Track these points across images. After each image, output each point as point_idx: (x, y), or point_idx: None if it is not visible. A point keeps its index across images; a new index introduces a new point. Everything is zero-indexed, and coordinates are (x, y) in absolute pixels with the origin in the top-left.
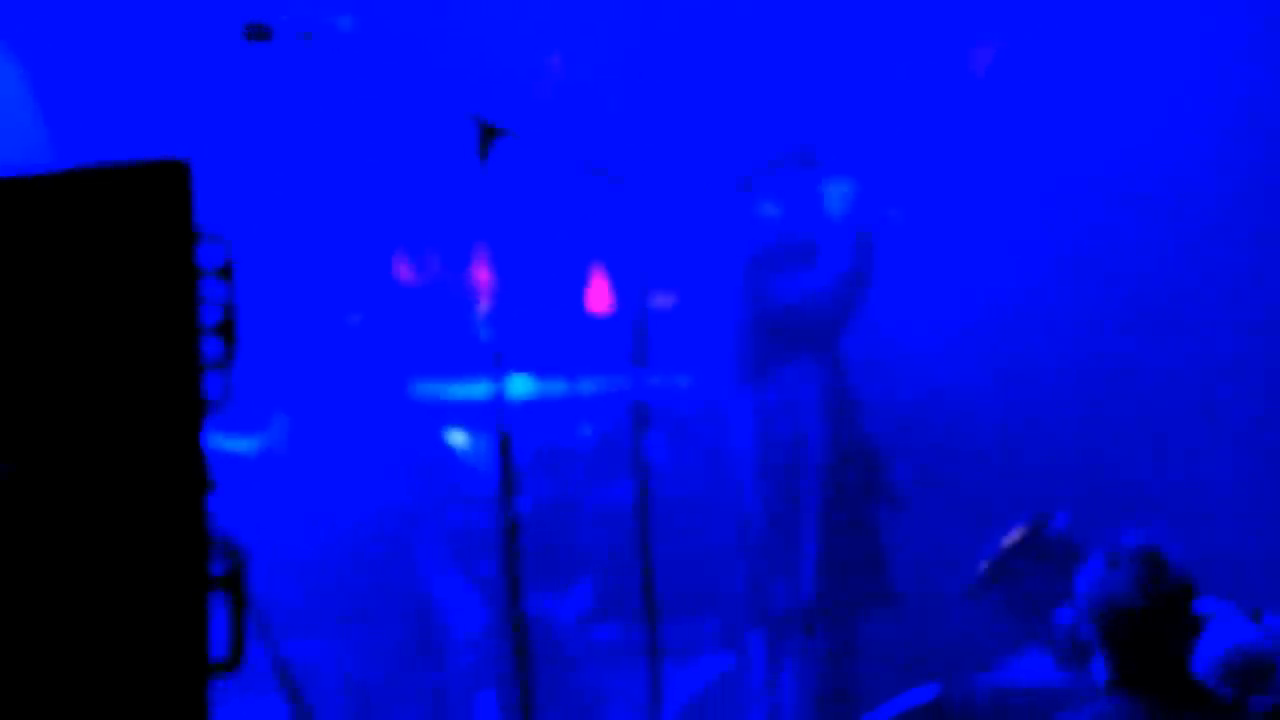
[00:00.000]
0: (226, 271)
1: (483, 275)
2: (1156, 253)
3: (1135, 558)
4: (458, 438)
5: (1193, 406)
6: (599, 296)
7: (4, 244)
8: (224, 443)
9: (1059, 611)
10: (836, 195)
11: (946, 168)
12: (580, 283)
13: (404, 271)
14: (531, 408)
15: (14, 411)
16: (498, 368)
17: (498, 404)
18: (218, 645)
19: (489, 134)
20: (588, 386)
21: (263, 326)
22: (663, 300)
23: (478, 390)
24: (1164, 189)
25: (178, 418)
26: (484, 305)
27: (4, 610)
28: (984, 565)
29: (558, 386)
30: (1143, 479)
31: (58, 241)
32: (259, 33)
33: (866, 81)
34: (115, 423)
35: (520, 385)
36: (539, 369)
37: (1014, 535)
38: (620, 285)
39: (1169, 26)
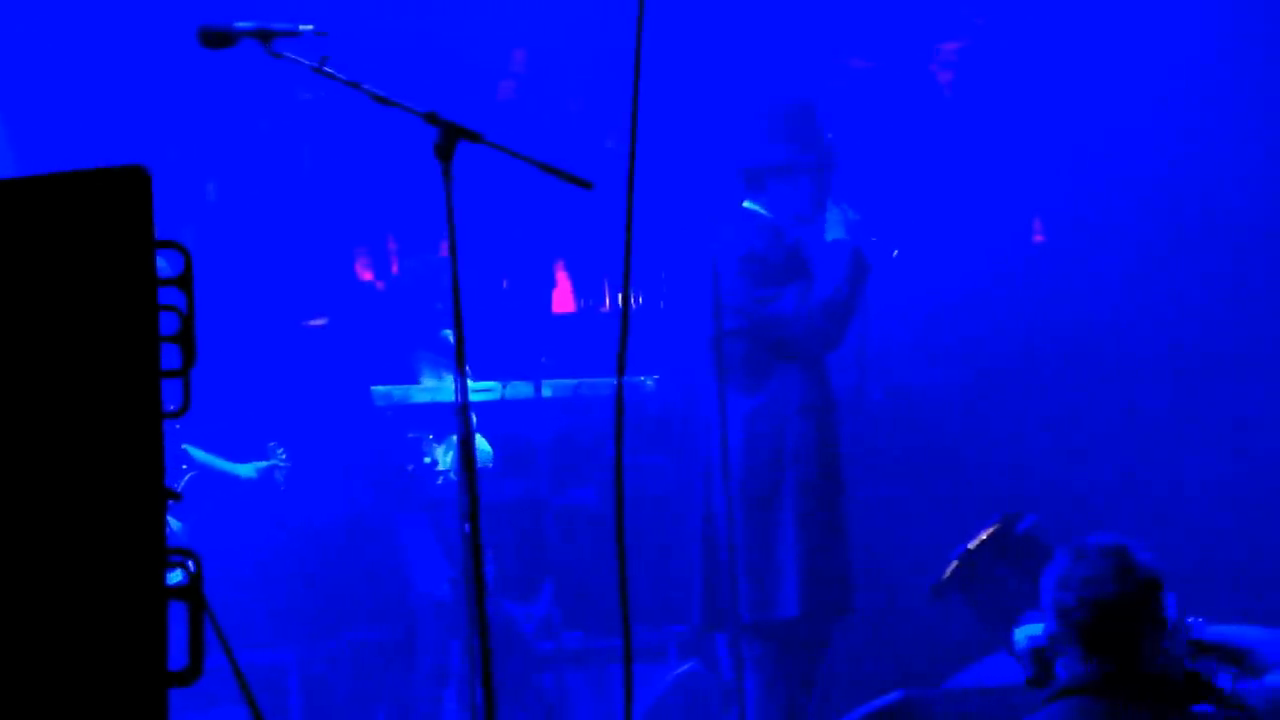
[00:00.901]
0: (185, 280)
1: (447, 276)
2: (1127, 252)
3: (1103, 553)
4: (421, 441)
5: (1162, 407)
6: (563, 297)
7: None
8: (223, 465)
9: (1021, 620)
10: (831, 218)
11: (914, 167)
12: (546, 283)
13: (367, 273)
14: (495, 409)
15: None
16: (460, 369)
17: (461, 406)
18: (177, 655)
19: (451, 135)
20: (551, 388)
21: (228, 330)
22: (633, 298)
23: (441, 392)
24: (1134, 186)
25: (136, 426)
26: (447, 306)
27: None
28: (951, 565)
29: (522, 388)
30: (1111, 479)
31: (16, 249)
32: (218, 38)
33: (833, 80)
34: (73, 431)
35: (484, 387)
36: (502, 371)
37: (981, 535)
38: (583, 285)
39: (1128, 31)
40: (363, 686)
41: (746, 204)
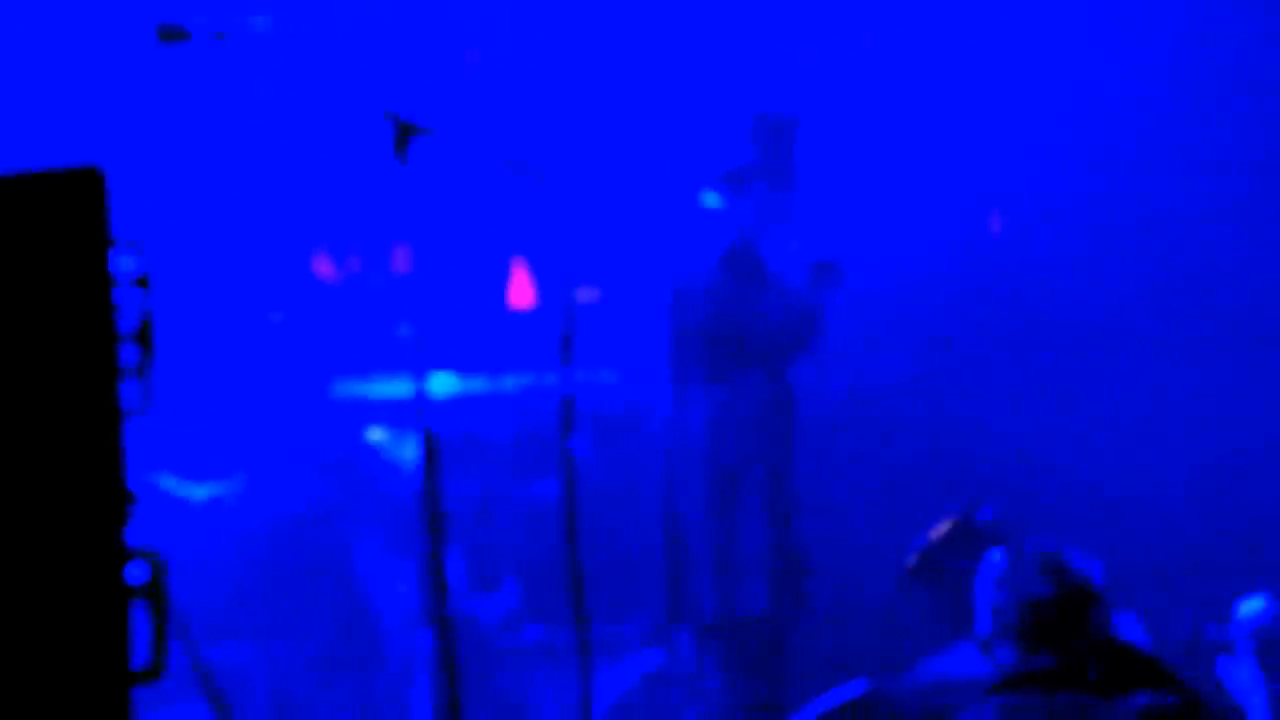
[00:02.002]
0: (143, 280)
1: (403, 272)
2: (1084, 240)
3: (1039, 554)
4: (380, 435)
5: (1122, 394)
6: (521, 292)
7: None
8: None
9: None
10: (798, 228)
11: (869, 158)
12: (502, 278)
13: (325, 269)
14: (454, 404)
15: None
16: (419, 364)
17: (420, 402)
18: (139, 653)
19: (406, 131)
20: (510, 383)
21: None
22: (587, 295)
23: (400, 388)
24: (1091, 173)
25: (96, 426)
26: (405, 302)
27: None
28: (912, 556)
29: (480, 383)
30: (1071, 468)
31: None
32: (174, 34)
33: (790, 74)
34: (33, 431)
35: (442, 382)
36: (461, 365)
37: (943, 526)
38: (542, 281)
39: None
40: (326, 685)
41: (707, 200)
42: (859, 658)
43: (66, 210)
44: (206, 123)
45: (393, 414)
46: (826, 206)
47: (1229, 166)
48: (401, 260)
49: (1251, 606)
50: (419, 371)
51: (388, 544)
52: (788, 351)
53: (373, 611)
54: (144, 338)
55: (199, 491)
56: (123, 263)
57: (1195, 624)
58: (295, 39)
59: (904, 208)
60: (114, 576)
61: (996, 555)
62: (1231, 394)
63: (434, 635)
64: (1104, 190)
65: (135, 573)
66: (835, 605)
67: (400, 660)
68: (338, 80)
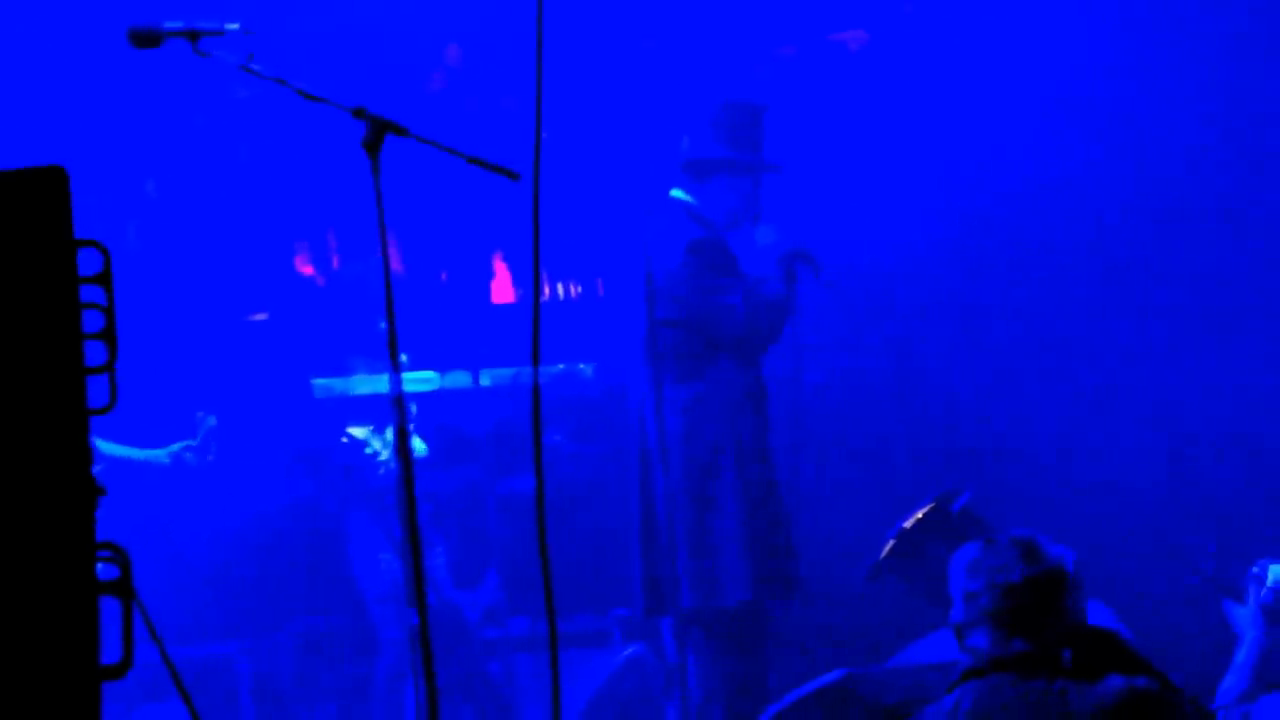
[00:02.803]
0: (106, 277)
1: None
2: (1057, 230)
3: (1012, 539)
4: (361, 432)
5: (1094, 383)
6: (502, 287)
7: None
8: (129, 453)
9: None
10: (769, 218)
11: (839, 150)
12: (484, 274)
13: (306, 268)
14: (435, 399)
15: None
16: (394, 361)
17: (395, 398)
18: (108, 649)
19: (379, 128)
20: (491, 377)
21: (167, 327)
22: (569, 289)
23: (381, 384)
24: (1062, 160)
25: (62, 423)
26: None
27: None
28: (888, 544)
29: (461, 378)
30: (1043, 456)
31: None
32: (147, 38)
33: (762, 69)
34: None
35: (424, 378)
36: (443, 361)
37: (918, 513)
38: (523, 276)
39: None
40: (314, 678)
41: (674, 193)
42: (837, 645)
43: (30, 209)
44: (191, 123)
45: (374, 410)
46: (800, 196)
47: (1206, 156)
48: (387, 258)
49: (1276, 571)
50: (395, 367)
51: (373, 543)
52: (758, 342)
53: (361, 602)
54: (109, 335)
55: (158, 453)
56: (87, 261)
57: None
58: (271, 37)
59: (878, 196)
60: (82, 572)
61: (971, 542)
62: (1202, 379)
63: (415, 626)
64: (1079, 176)
65: (103, 568)
66: (813, 593)
67: (392, 651)
68: (316, 78)
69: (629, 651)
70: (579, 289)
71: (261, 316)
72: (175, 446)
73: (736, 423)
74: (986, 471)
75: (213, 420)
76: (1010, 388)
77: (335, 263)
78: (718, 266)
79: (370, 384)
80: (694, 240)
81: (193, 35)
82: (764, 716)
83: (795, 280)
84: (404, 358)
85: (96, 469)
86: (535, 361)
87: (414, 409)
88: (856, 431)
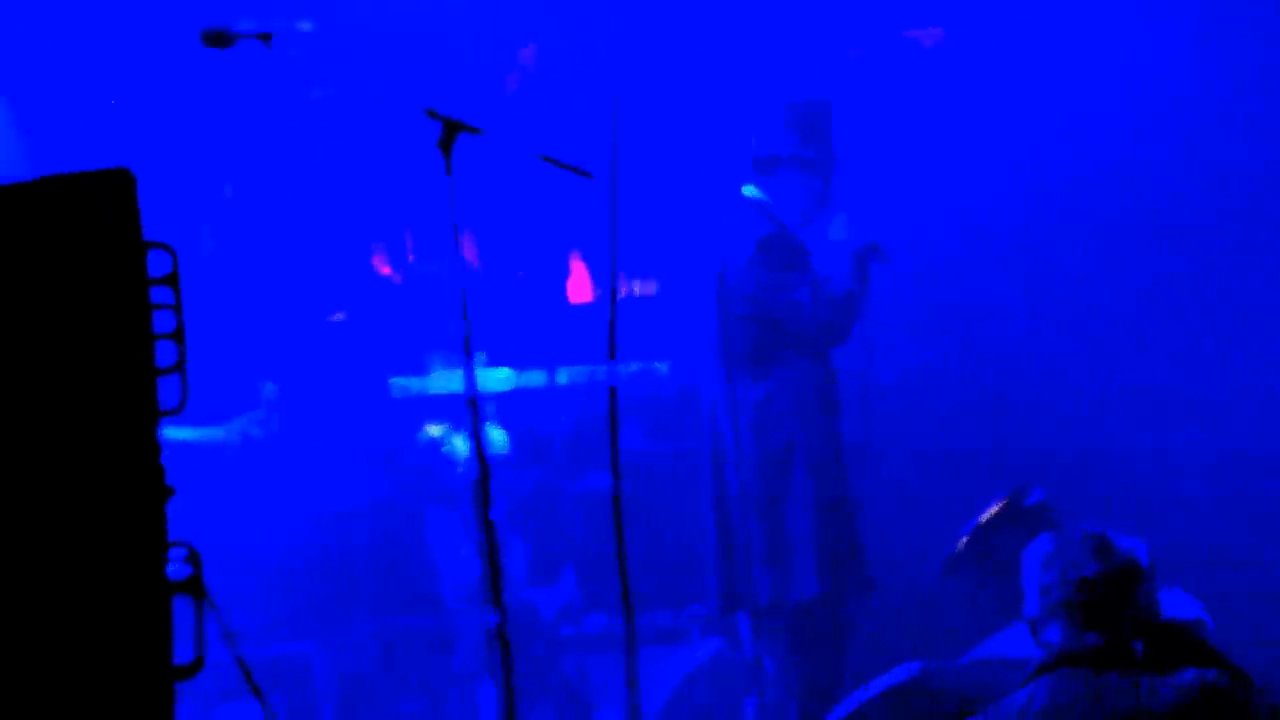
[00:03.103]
0: (174, 278)
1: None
2: (1126, 235)
3: (1085, 536)
4: (438, 431)
5: (1169, 380)
6: (579, 286)
7: None
8: (195, 434)
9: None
10: (837, 218)
11: (918, 150)
12: (561, 273)
13: (384, 268)
14: (512, 398)
15: None
16: (469, 360)
17: (470, 397)
18: (181, 648)
19: (451, 129)
20: (568, 376)
21: (247, 327)
22: (645, 287)
23: (458, 383)
24: (1134, 168)
25: (134, 423)
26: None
27: None
28: (963, 540)
29: (538, 376)
30: (1117, 452)
31: (10, 254)
32: (219, 39)
33: (833, 70)
34: (73, 431)
35: (501, 376)
36: (519, 359)
37: (992, 509)
38: (600, 275)
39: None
40: (392, 677)
41: (747, 190)
42: (911, 641)
43: (97, 211)
44: (267, 124)
45: (451, 409)
46: (873, 192)
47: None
48: (460, 257)
49: None
50: (471, 367)
51: (452, 536)
52: (827, 338)
53: (439, 601)
54: (179, 336)
55: (217, 432)
56: (158, 262)
57: None
58: (344, 39)
59: (951, 193)
60: (154, 573)
61: (1044, 536)
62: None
63: (492, 622)
64: (1146, 173)
65: (176, 567)
66: (887, 589)
67: (468, 648)
68: (391, 79)
69: (707, 649)
70: (653, 287)
71: (339, 317)
72: (238, 422)
73: (807, 419)
74: (1059, 467)
75: (272, 388)
76: (1082, 385)
77: (412, 262)
78: (788, 263)
79: (447, 383)
80: (764, 237)
81: (265, 36)
82: (839, 712)
83: (867, 277)
84: (481, 356)
85: (166, 459)
86: (611, 357)
87: (491, 408)
88: (929, 428)
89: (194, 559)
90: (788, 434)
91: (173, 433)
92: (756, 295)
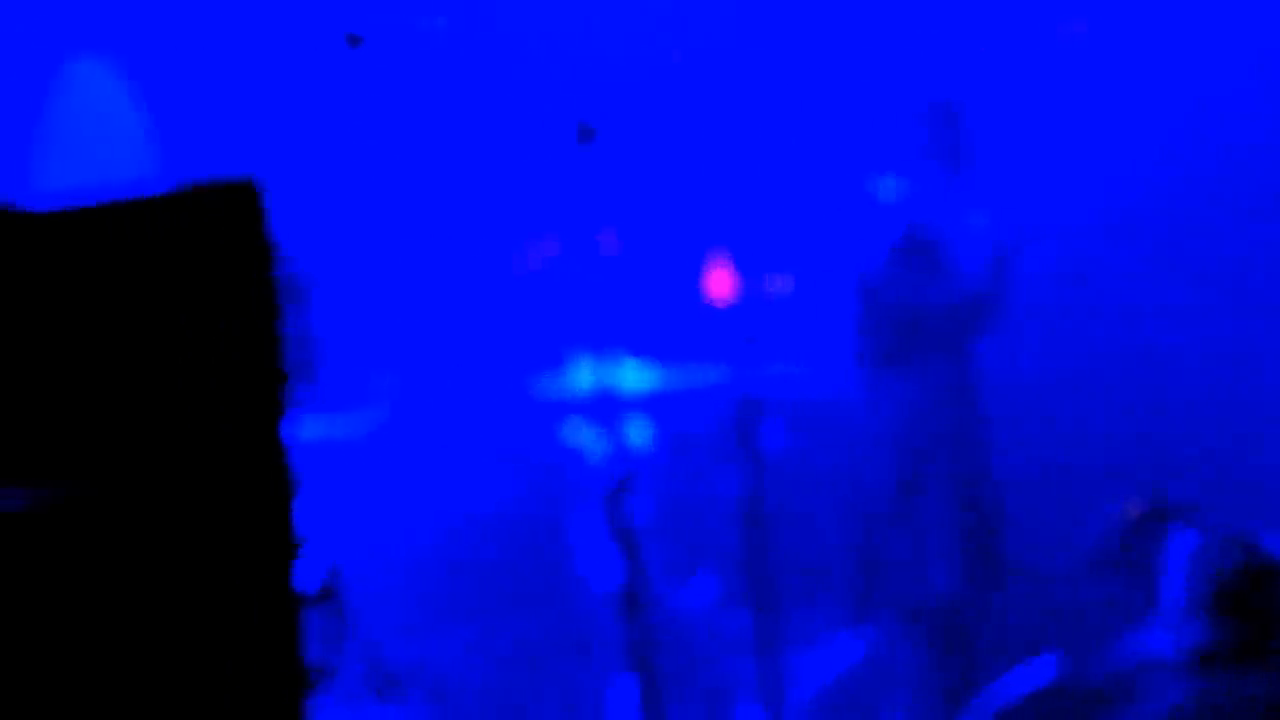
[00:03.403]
0: (305, 287)
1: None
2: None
3: (1229, 533)
4: (579, 430)
5: None
6: (720, 284)
7: (84, 272)
8: (326, 429)
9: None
10: (978, 210)
11: (1061, 143)
12: (705, 272)
13: (526, 266)
14: (653, 397)
15: (104, 432)
16: (602, 359)
17: (606, 396)
18: (314, 653)
19: (588, 128)
20: (710, 375)
21: (385, 326)
22: (783, 284)
23: (598, 382)
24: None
25: (265, 432)
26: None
27: (101, 631)
28: (1105, 540)
29: (681, 375)
30: (1261, 456)
31: (137, 266)
32: (351, 38)
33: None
34: (203, 440)
35: (641, 375)
36: (661, 357)
37: (1135, 509)
38: (742, 273)
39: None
40: (532, 679)
41: (882, 187)
42: (1053, 642)
43: (225, 222)
44: (405, 121)
45: (592, 409)
46: (1018, 185)
47: None
48: (602, 255)
49: None
50: (611, 366)
51: (593, 537)
52: (964, 335)
53: (580, 603)
54: (306, 341)
55: (351, 434)
56: (286, 271)
57: None
58: (484, 38)
59: (1095, 187)
60: (285, 576)
61: (1187, 535)
62: None
63: (633, 625)
64: None
65: (308, 572)
66: (1028, 588)
67: (608, 650)
68: (529, 75)
69: (853, 651)
70: (790, 284)
71: (481, 315)
72: (373, 422)
73: (946, 417)
74: (1204, 467)
75: (408, 387)
76: (1230, 382)
77: (555, 260)
78: (920, 263)
79: (587, 381)
80: (899, 238)
81: (398, 35)
82: (981, 710)
83: (1004, 275)
84: (621, 354)
85: (298, 461)
86: (750, 357)
87: (632, 407)
88: (1072, 424)
89: (325, 562)
90: (925, 431)
91: (307, 433)
92: (893, 294)
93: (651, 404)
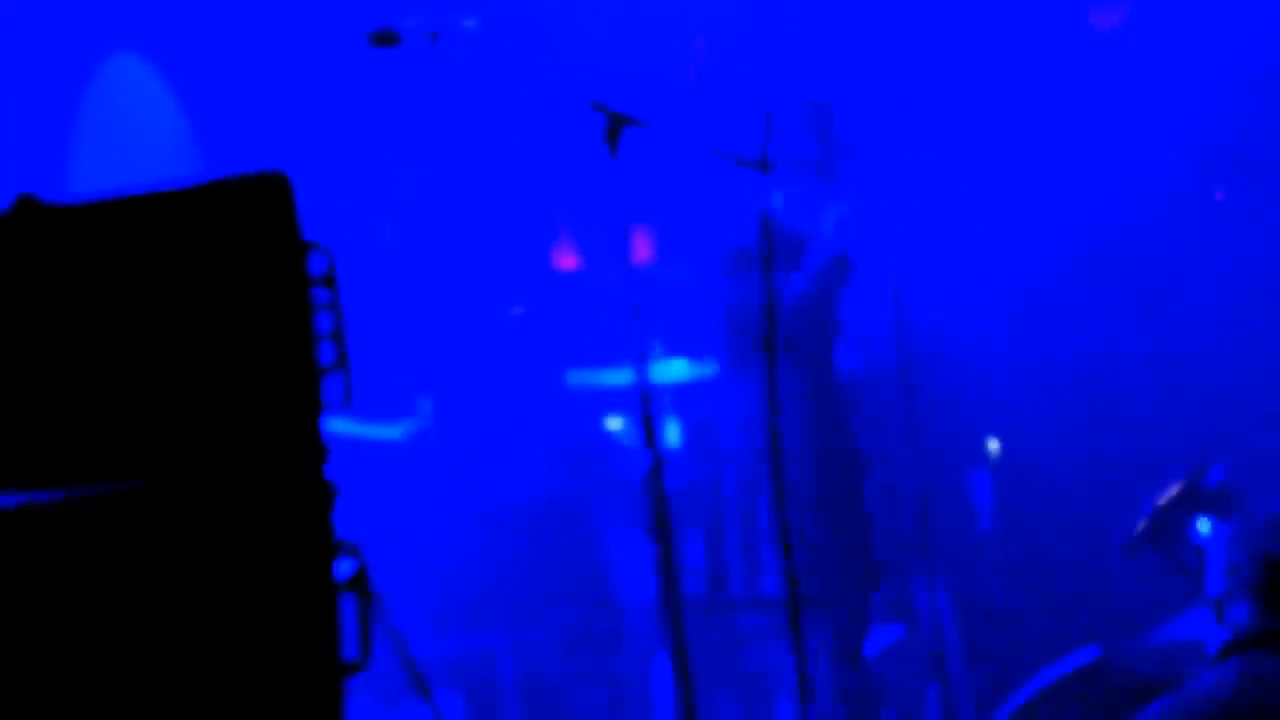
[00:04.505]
0: (330, 279)
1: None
2: None
3: (1270, 512)
4: (617, 424)
5: None
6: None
7: (119, 265)
8: (369, 431)
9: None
10: (831, 211)
11: (1091, 132)
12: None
13: (562, 262)
14: (688, 390)
15: (141, 428)
16: (639, 352)
17: (642, 387)
18: (348, 646)
19: (617, 123)
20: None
21: (422, 323)
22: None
23: (632, 376)
24: None
25: (299, 423)
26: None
27: (142, 623)
28: (1142, 521)
29: (713, 369)
30: None
31: (171, 260)
32: (385, 38)
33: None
34: (238, 434)
35: (677, 369)
36: (695, 351)
37: (1171, 490)
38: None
39: None
40: (573, 670)
41: (743, 190)
42: (1091, 624)
43: (257, 214)
44: (440, 120)
45: (628, 401)
46: (1048, 174)
47: None
48: (637, 252)
49: None
50: (642, 359)
51: (629, 529)
52: (804, 340)
53: (617, 595)
54: (338, 336)
55: (391, 431)
56: (316, 263)
57: None
58: (512, 36)
59: (1131, 173)
60: (321, 571)
61: (1232, 515)
62: None
63: (668, 616)
64: None
65: (342, 566)
66: (1067, 572)
67: (645, 640)
68: (560, 74)
69: (888, 634)
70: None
71: (517, 311)
72: (414, 419)
73: (793, 420)
74: (1240, 446)
75: (448, 384)
76: (1265, 364)
77: (590, 256)
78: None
79: (624, 376)
80: (755, 237)
81: (433, 35)
82: (1018, 698)
83: (832, 282)
84: (657, 348)
85: (337, 457)
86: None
87: (667, 400)
88: (1112, 409)
89: (359, 557)
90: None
91: (345, 430)
92: (736, 295)
93: (687, 395)
